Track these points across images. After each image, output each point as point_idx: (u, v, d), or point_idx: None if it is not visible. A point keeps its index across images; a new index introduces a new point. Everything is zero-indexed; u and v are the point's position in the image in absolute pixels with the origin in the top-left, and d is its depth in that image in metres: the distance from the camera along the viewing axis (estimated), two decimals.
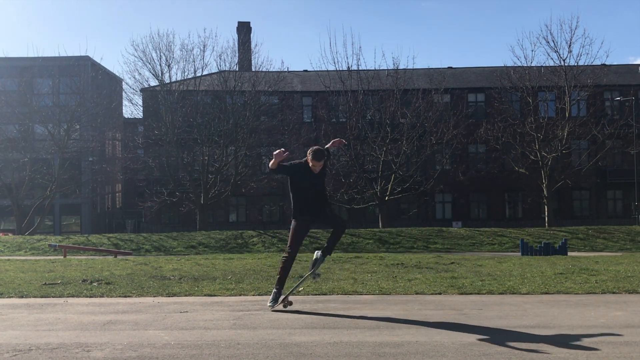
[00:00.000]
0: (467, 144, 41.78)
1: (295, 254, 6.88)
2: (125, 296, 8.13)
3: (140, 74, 46.83)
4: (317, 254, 7.13)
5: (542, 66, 36.77)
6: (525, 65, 36.30)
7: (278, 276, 6.94)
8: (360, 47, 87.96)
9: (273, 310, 6.79)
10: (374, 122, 35.94)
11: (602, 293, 8.10)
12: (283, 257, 6.95)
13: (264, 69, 37.53)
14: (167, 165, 36.24)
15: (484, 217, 42.92)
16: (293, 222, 6.93)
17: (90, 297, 8.08)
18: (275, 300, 6.85)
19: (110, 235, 32.58)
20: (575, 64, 35.72)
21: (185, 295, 8.15)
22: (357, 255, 16.96)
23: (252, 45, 40.57)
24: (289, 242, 6.94)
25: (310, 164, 6.72)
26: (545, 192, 36.06)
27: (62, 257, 20.59)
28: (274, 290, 6.94)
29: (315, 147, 6.81)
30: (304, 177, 6.77)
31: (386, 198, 34.51)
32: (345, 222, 7.18)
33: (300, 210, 6.86)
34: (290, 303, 6.90)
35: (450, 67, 45.72)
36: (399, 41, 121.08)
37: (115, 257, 19.90)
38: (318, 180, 6.86)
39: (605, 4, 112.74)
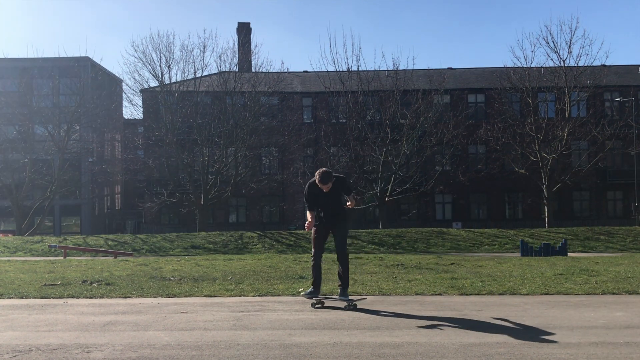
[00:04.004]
0: (467, 145, 41.79)
1: (318, 255, 7.35)
2: (125, 297, 8.13)
3: (140, 74, 47.04)
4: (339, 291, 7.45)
5: (542, 67, 36.75)
6: (525, 66, 36.30)
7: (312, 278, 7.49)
8: (360, 48, 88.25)
9: (315, 307, 7.22)
10: (373, 122, 35.93)
11: (602, 294, 8.10)
12: (311, 259, 7.46)
13: (264, 70, 37.57)
14: (167, 166, 36.24)
15: (484, 218, 42.92)
16: (313, 228, 7.41)
17: (90, 297, 8.08)
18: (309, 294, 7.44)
19: (110, 236, 32.58)
20: (575, 65, 35.72)
21: (185, 296, 8.15)
22: (357, 256, 16.94)
23: (252, 46, 40.65)
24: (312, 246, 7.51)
25: (319, 185, 7.19)
26: (545, 193, 36.06)
27: (62, 257, 20.59)
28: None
29: (322, 171, 7.20)
30: (318, 194, 7.29)
31: (386, 199, 34.49)
32: (346, 254, 7.42)
33: (319, 219, 7.40)
34: (322, 303, 7.27)
35: (450, 68, 45.74)
36: (399, 42, 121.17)
37: (116, 257, 19.89)
38: (330, 196, 7.29)
39: (605, 5, 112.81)
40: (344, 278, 7.29)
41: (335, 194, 7.29)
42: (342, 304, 7.09)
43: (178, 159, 35.66)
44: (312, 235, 7.41)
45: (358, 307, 7.02)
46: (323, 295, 7.57)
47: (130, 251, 26.17)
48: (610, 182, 42.65)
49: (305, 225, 7.41)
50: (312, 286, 7.40)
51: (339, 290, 7.35)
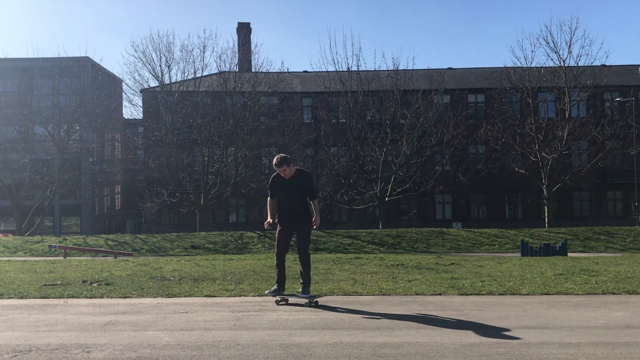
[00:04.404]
0: (467, 145, 41.78)
1: (281, 255, 7.55)
2: (125, 297, 8.13)
3: (140, 74, 47.06)
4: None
5: (542, 67, 36.75)
6: (525, 66, 36.30)
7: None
8: (360, 48, 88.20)
9: (279, 305, 7.42)
10: (373, 122, 35.93)
11: (602, 294, 8.10)
12: (275, 258, 7.71)
13: (264, 70, 37.58)
14: (167, 166, 36.23)
15: (484, 218, 42.92)
16: (278, 228, 7.61)
17: (90, 297, 8.08)
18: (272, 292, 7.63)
19: (110, 236, 32.58)
20: (575, 65, 35.72)
21: (185, 296, 8.15)
22: (357, 256, 16.95)
23: (252, 46, 40.66)
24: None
25: (277, 170, 7.46)
26: (545, 193, 36.06)
27: (62, 258, 20.59)
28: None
29: (279, 154, 7.52)
30: (280, 184, 7.51)
31: (386, 199, 34.49)
32: (306, 254, 7.52)
33: (281, 219, 7.57)
34: (286, 301, 7.49)
35: (450, 68, 45.73)
36: (399, 42, 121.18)
37: (116, 257, 19.89)
38: (291, 187, 7.46)
39: (605, 5, 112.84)
40: (305, 277, 7.50)
41: (297, 189, 7.47)
42: (303, 301, 7.32)
43: (178, 159, 35.65)
44: (276, 235, 7.63)
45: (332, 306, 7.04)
46: (289, 293, 7.75)
47: (130, 251, 26.17)
48: (610, 182, 42.64)
49: (265, 223, 7.57)
50: (276, 284, 7.64)
51: (301, 288, 7.56)
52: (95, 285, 9.25)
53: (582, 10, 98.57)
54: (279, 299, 7.51)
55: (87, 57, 42.37)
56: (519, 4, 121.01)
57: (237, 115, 35.21)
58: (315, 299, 7.37)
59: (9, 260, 16.27)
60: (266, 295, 7.82)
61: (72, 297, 8.14)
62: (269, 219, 7.55)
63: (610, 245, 27.98)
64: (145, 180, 40.83)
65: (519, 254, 22.25)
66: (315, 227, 7.59)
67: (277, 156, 7.49)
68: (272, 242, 28.86)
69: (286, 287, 8.78)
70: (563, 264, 13.22)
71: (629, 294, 8.11)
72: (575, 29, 42.47)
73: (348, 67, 36.42)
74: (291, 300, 7.51)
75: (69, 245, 25.93)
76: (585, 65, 35.79)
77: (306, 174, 7.66)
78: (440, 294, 8.13)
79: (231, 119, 34.94)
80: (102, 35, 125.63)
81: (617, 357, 4.78)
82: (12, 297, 8.13)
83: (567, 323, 6.09)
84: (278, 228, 7.58)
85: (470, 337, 5.48)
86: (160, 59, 35.32)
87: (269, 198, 7.67)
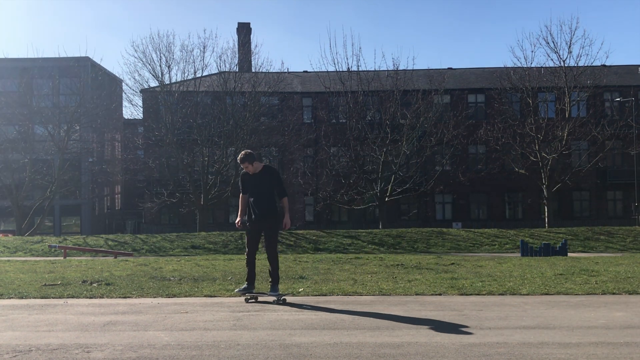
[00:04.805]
0: (467, 145, 41.78)
1: (251, 253, 7.65)
2: (125, 297, 8.13)
3: (140, 74, 47.08)
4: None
5: (542, 67, 36.74)
6: (525, 66, 36.29)
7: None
8: (360, 48, 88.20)
9: (248, 302, 7.57)
10: (373, 122, 35.93)
11: (602, 294, 8.10)
12: (245, 257, 7.81)
13: (264, 70, 37.57)
14: (167, 166, 36.22)
15: (484, 218, 42.93)
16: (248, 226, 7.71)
17: (90, 298, 8.08)
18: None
19: (110, 236, 32.57)
20: (575, 65, 35.71)
21: (185, 296, 8.15)
22: (357, 256, 16.95)
23: (252, 46, 40.67)
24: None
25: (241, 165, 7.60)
26: (545, 193, 36.05)
27: (62, 258, 20.59)
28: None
29: (244, 151, 7.73)
30: (248, 180, 7.62)
31: (386, 199, 34.48)
32: (274, 254, 7.58)
33: (250, 218, 7.62)
34: (256, 299, 7.68)
35: (450, 68, 45.73)
36: (399, 42, 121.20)
37: (116, 257, 19.89)
38: (257, 184, 7.53)
39: (605, 5, 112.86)
40: (273, 275, 7.58)
41: (263, 185, 7.53)
42: (271, 299, 7.50)
43: (178, 159, 35.65)
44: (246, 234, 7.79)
45: (298, 303, 7.04)
46: (259, 292, 7.86)
47: (130, 251, 26.17)
48: (610, 182, 42.65)
49: (236, 222, 7.71)
50: (246, 282, 7.78)
51: (270, 286, 7.64)
52: (95, 285, 9.25)
53: (582, 10, 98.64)
54: (249, 297, 7.66)
55: (87, 57, 42.36)
56: (519, 4, 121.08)
57: (237, 115, 35.21)
58: (283, 297, 7.51)
59: (9, 260, 16.28)
60: (235, 295, 7.95)
61: (72, 297, 8.13)
62: (239, 216, 7.67)
63: (610, 245, 27.97)
64: (145, 180, 40.82)
65: (519, 254, 22.26)
66: (286, 227, 7.55)
67: (243, 151, 7.71)
68: None
69: (285, 287, 8.79)
70: (563, 264, 13.22)
71: (629, 294, 8.10)
72: (575, 29, 42.50)
73: (348, 67, 36.44)
74: (260, 298, 7.66)
75: (69, 245, 25.92)
76: (585, 65, 35.80)
77: (273, 171, 7.70)
78: (440, 294, 8.13)
79: (231, 119, 34.94)
80: (102, 35, 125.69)
81: (617, 357, 4.78)
82: (12, 297, 8.12)
83: (567, 323, 6.09)
84: (248, 226, 7.69)
85: (470, 337, 5.48)
86: (160, 59, 35.35)
87: (240, 194, 7.77)
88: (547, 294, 8.06)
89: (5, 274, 11.17)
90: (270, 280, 7.63)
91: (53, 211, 42.88)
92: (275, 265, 7.56)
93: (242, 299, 7.86)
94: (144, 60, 35.38)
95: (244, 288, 7.70)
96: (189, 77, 36.03)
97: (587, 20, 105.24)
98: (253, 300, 7.62)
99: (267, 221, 7.52)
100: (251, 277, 7.68)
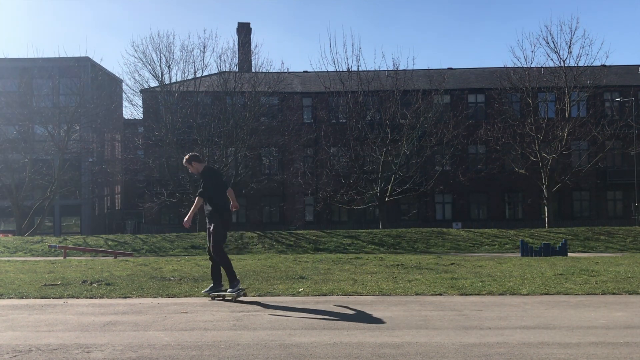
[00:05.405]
0: (467, 145, 41.78)
1: (208, 249, 8.04)
2: (125, 297, 8.13)
3: (140, 74, 47.20)
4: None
5: (542, 67, 36.72)
6: (525, 66, 36.25)
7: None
8: (360, 48, 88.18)
9: (215, 300, 7.49)
10: (373, 122, 35.92)
11: (602, 294, 8.10)
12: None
13: (264, 70, 37.55)
14: (167, 166, 36.22)
15: (484, 218, 42.92)
16: None
17: (90, 298, 8.08)
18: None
19: (110, 236, 32.55)
20: (575, 65, 35.69)
21: (185, 296, 8.16)
22: (357, 256, 16.94)
23: (252, 46, 40.65)
24: None
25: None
26: (545, 193, 36.04)
27: (62, 258, 20.58)
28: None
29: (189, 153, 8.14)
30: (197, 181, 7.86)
31: (386, 199, 34.47)
32: (215, 252, 7.81)
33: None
34: (223, 297, 7.87)
35: (450, 68, 45.72)
36: (399, 42, 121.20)
37: (116, 258, 19.89)
38: (199, 184, 7.93)
39: (605, 5, 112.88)
40: (226, 273, 7.75)
41: (203, 182, 7.79)
42: (231, 296, 7.74)
43: (178, 159, 35.64)
44: None
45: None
46: (225, 289, 8.03)
47: (130, 251, 26.16)
48: (610, 182, 42.65)
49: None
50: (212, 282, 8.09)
51: (229, 285, 7.87)
52: (95, 285, 9.25)
53: (582, 10, 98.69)
54: (215, 295, 7.91)
55: (87, 57, 42.35)
56: (519, 4, 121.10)
57: (237, 115, 35.20)
58: (243, 291, 7.84)
59: (9, 260, 16.27)
60: (202, 294, 8.12)
61: (72, 297, 8.14)
62: (189, 214, 7.86)
63: (610, 246, 27.97)
64: (145, 180, 40.82)
65: (519, 254, 22.24)
66: (233, 209, 7.74)
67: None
68: (273, 242, 28.88)
69: (286, 287, 8.79)
70: (563, 264, 13.22)
71: (629, 294, 8.10)
72: (575, 29, 42.54)
73: (348, 67, 36.42)
74: (227, 296, 7.83)
75: (69, 246, 25.91)
76: (585, 65, 35.76)
77: (206, 170, 7.91)
78: (440, 294, 8.13)
79: (231, 119, 34.93)
80: (102, 35, 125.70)
81: (617, 357, 4.78)
82: (12, 297, 8.12)
83: (567, 323, 6.09)
84: None
85: (470, 337, 5.48)
86: (160, 59, 35.34)
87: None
88: (547, 294, 8.05)
89: (6, 274, 11.16)
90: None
91: (53, 211, 42.87)
92: (222, 263, 7.75)
93: (243, 299, 7.87)
94: (144, 60, 35.42)
95: (211, 288, 7.98)
96: (189, 77, 36.04)
97: (587, 20, 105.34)
98: (220, 298, 7.87)
99: (208, 220, 7.86)
100: (216, 277, 7.98)
